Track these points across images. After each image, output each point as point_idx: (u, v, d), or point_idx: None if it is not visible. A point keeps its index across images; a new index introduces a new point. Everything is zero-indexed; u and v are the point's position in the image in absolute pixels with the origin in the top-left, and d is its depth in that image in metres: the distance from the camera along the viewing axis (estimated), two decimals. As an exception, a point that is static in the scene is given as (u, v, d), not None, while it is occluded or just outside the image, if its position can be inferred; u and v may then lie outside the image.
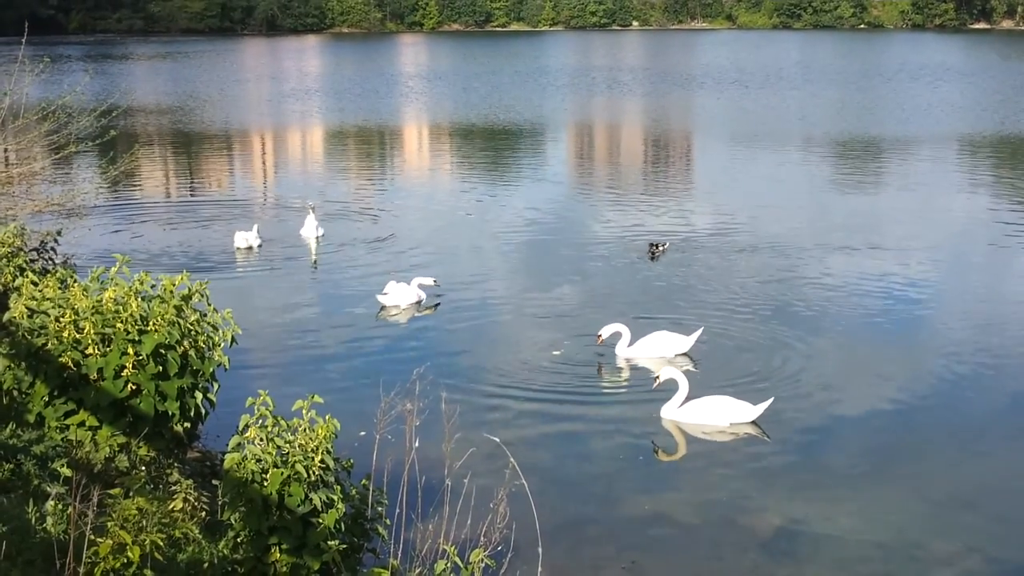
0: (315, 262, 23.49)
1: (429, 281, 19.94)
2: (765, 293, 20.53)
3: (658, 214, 28.34)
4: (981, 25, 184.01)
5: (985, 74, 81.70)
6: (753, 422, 14.15)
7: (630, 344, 16.74)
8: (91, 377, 9.97)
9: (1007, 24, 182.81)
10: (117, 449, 10.01)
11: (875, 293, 20.63)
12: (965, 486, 12.72)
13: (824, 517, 11.83)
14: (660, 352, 16.56)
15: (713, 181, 35.12)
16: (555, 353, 16.86)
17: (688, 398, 14.37)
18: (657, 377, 14.77)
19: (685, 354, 16.68)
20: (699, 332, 16.71)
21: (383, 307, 19.47)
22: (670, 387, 14.52)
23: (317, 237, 24.60)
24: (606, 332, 16.82)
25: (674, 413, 14.28)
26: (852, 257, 23.52)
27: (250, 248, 23.68)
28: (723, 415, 14.16)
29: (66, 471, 8.77)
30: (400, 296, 19.50)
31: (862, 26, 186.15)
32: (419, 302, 19.67)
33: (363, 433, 7.90)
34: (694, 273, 22.00)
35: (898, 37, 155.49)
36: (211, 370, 10.53)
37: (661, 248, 23.22)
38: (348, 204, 30.05)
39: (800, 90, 68.74)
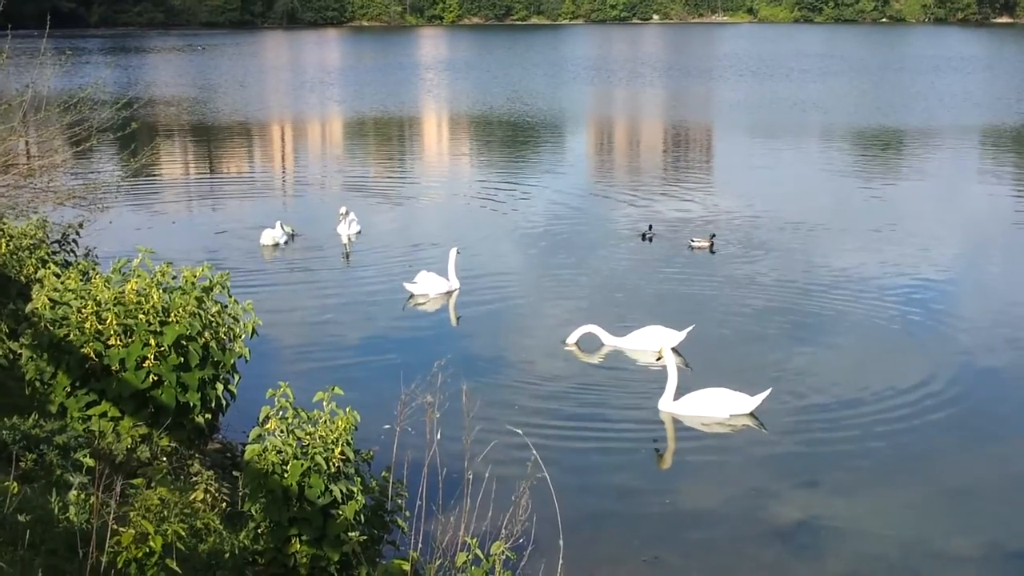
0: (345, 256, 23.38)
1: (453, 253, 19.99)
2: (780, 284, 20.55)
3: (677, 206, 28.26)
4: (1004, 19, 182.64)
5: (1007, 67, 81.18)
6: (751, 414, 14.16)
7: (617, 336, 16.87)
8: (113, 368, 10.01)
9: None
10: (139, 440, 10.05)
11: (891, 285, 20.54)
12: (982, 480, 12.64)
13: (841, 510, 11.80)
14: (650, 345, 16.56)
15: (732, 174, 35.04)
16: (567, 348, 16.85)
17: (687, 390, 14.40)
18: (660, 354, 14.92)
19: (674, 349, 16.63)
20: (690, 328, 16.68)
21: (411, 296, 19.53)
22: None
23: (350, 235, 24.38)
24: (572, 339, 16.95)
25: (673, 406, 14.31)
26: (869, 249, 23.44)
27: (276, 245, 23.64)
28: (723, 407, 14.19)
29: (88, 461, 8.81)
30: (429, 285, 19.56)
31: (884, 20, 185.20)
32: (449, 292, 19.72)
33: (387, 426, 7.89)
34: (709, 264, 21.97)
35: (920, 31, 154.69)
36: (232, 361, 10.55)
37: (703, 242, 23.29)
38: (375, 197, 30.16)
39: (820, 83, 68.45)
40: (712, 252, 22.98)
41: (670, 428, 14.10)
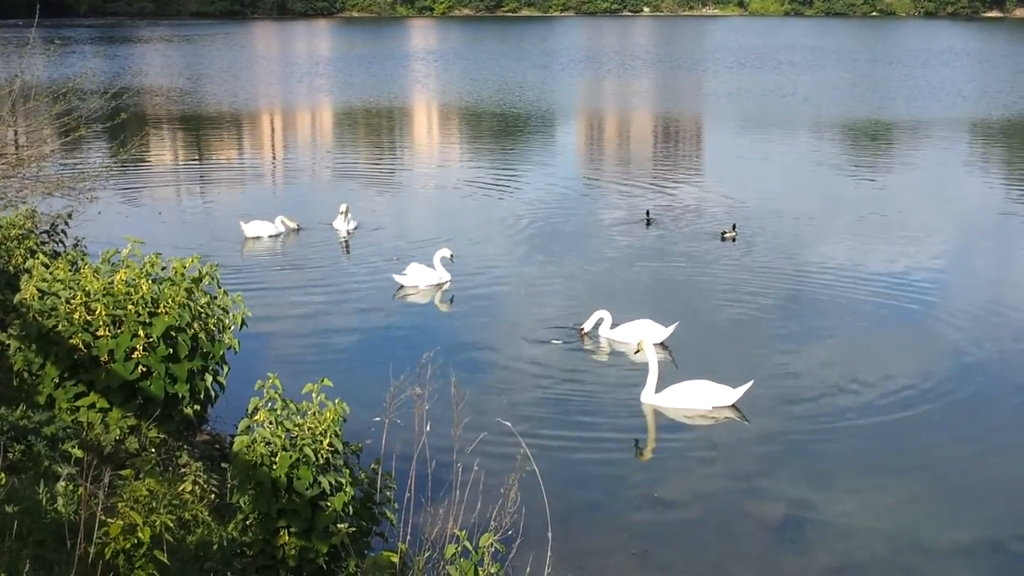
0: (345, 248, 23.31)
1: (447, 253, 19.96)
2: (770, 274, 20.72)
3: (666, 199, 28.26)
4: (994, 13, 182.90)
5: (996, 60, 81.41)
6: (734, 406, 14.22)
7: (612, 327, 16.96)
8: (102, 359, 9.98)
9: (1021, 12, 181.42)
10: (127, 431, 10.02)
11: (881, 276, 20.61)
12: (971, 472, 12.68)
13: (828, 503, 11.84)
14: (638, 339, 16.59)
15: (722, 166, 35.07)
16: (555, 342, 16.85)
17: (673, 382, 14.44)
18: (639, 345, 14.96)
19: (662, 344, 16.64)
20: (675, 325, 16.63)
21: (401, 287, 19.53)
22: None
23: (348, 230, 24.11)
24: (589, 325, 17.00)
25: (655, 398, 14.35)
26: (859, 242, 23.53)
27: (258, 237, 23.53)
28: (705, 399, 14.24)
29: (77, 452, 8.79)
30: (419, 277, 19.55)
31: (874, 13, 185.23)
32: (439, 284, 19.70)
33: (376, 418, 7.89)
34: (699, 258, 22.00)
35: (910, 24, 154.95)
36: (221, 353, 10.53)
37: (731, 232, 23.55)
38: (365, 189, 30.12)
39: (810, 75, 68.51)
40: (734, 241, 23.20)
41: (653, 421, 14.11)
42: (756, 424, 13.91)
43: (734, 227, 23.76)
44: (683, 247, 22.91)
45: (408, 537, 7.75)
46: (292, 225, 24.09)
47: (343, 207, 24.20)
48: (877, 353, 16.44)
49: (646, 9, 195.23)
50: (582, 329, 17.00)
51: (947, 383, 15.28)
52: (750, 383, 14.18)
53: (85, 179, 19.29)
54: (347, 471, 8.36)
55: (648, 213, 25.32)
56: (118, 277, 10.22)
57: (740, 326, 17.74)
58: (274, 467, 8.08)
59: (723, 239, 23.31)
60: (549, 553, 7.49)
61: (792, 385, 15.13)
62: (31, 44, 18.61)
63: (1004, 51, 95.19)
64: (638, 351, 15.17)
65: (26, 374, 10.33)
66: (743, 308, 18.63)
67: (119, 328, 9.99)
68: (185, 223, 25.60)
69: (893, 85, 62.15)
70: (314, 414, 8.30)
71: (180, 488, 8.53)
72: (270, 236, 23.64)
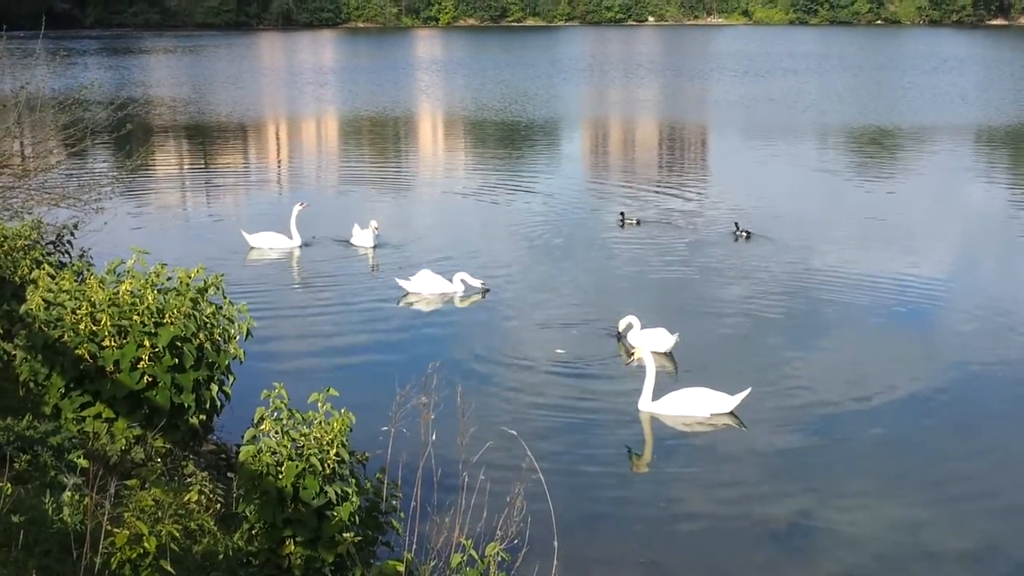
0: (346, 259, 23.17)
1: (477, 283, 19.86)
2: (771, 280, 20.71)
3: (671, 207, 28.25)
4: (999, 21, 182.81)
5: (1001, 67, 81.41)
6: (732, 413, 14.18)
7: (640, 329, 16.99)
8: (107, 369, 9.99)
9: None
10: (133, 441, 10.03)
11: (884, 285, 20.55)
12: (975, 479, 12.63)
13: (833, 511, 11.79)
14: (655, 347, 16.56)
15: (726, 174, 35.09)
16: (559, 351, 16.81)
17: (669, 390, 14.42)
18: (632, 354, 14.88)
19: (667, 353, 16.59)
20: (677, 336, 16.51)
21: (406, 293, 19.50)
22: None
23: (373, 245, 23.63)
24: (622, 325, 17.03)
25: (653, 406, 14.31)
26: (862, 250, 23.50)
27: (260, 248, 23.46)
28: (703, 406, 14.21)
29: (82, 462, 8.80)
30: (424, 284, 19.49)
31: (879, 22, 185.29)
32: (445, 294, 19.62)
33: (384, 428, 7.89)
34: (701, 266, 21.99)
35: (915, 33, 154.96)
36: (227, 363, 10.53)
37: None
38: (372, 200, 30.10)
39: (815, 83, 68.54)
40: (747, 240, 23.92)
41: (654, 429, 14.03)
42: (755, 431, 13.86)
43: (737, 226, 24.29)
44: (687, 254, 22.92)
45: (414, 546, 7.74)
46: (299, 208, 23.87)
47: (373, 223, 23.70)
48: (880, 360, 16.41)
49: (651, 18, 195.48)
50: (617, 333, 17.03)
51: (950, 390, 15.25)
52: (747, 390, 14.15)
53: (91, 190, 19.32)
54: (353, 480, 8.35)
55: (623, 215, 25.94)
56: (123, 287, 10.24)
57: (744, 332, 17.71)
58: (280, 477, 8.07)
59: (748, 238, 23.91)
60: (555, 562, 7.48)
61: (793, 392, 15.08)
62: (36, 56, 18.66)
63: (1009, 58, 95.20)
64: (631, 361, 15.07)
65: (32, 384, 10.35)
66: (747, 314, 18.60)
67: (124, 338, 10.01)
68: (190, 233, 25.64)
69: (898, 93, 62.17)
70: (320, 424, 8.29)
71: (186, 498, 8.54)
72: (271, 247, 23.57)
